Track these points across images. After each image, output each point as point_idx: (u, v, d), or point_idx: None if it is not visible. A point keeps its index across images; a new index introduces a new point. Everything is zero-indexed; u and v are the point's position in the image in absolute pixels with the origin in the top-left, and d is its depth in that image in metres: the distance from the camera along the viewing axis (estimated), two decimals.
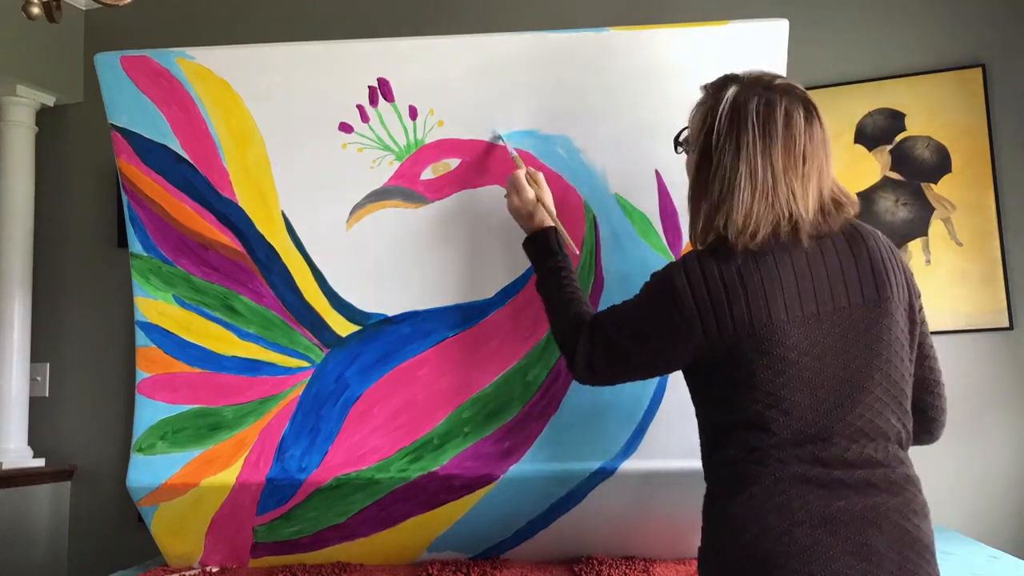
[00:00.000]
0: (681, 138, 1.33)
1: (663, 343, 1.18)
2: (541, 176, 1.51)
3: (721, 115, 1.17)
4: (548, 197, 1.50)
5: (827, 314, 1.11)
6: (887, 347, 1.11)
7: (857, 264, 1.14)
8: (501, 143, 1.62)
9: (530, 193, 1.47)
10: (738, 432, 1.12)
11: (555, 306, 1.39)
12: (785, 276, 1.12)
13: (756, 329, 1.10)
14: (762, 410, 1.09)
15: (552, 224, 1.47)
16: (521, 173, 1.50)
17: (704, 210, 1.19)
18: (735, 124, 1.16)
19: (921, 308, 1.21)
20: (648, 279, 1.23)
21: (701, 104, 1.24)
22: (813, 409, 1.08)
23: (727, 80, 1.22)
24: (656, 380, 1.62)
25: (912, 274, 1.22)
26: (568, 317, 1.34)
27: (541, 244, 1.45)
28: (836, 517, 1.04)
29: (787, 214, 1.13)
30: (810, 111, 1.17)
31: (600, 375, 1.29)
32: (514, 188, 1.49)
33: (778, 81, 1.20)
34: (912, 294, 1.19)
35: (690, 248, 1.23)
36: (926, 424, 1.24)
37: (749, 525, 1.06)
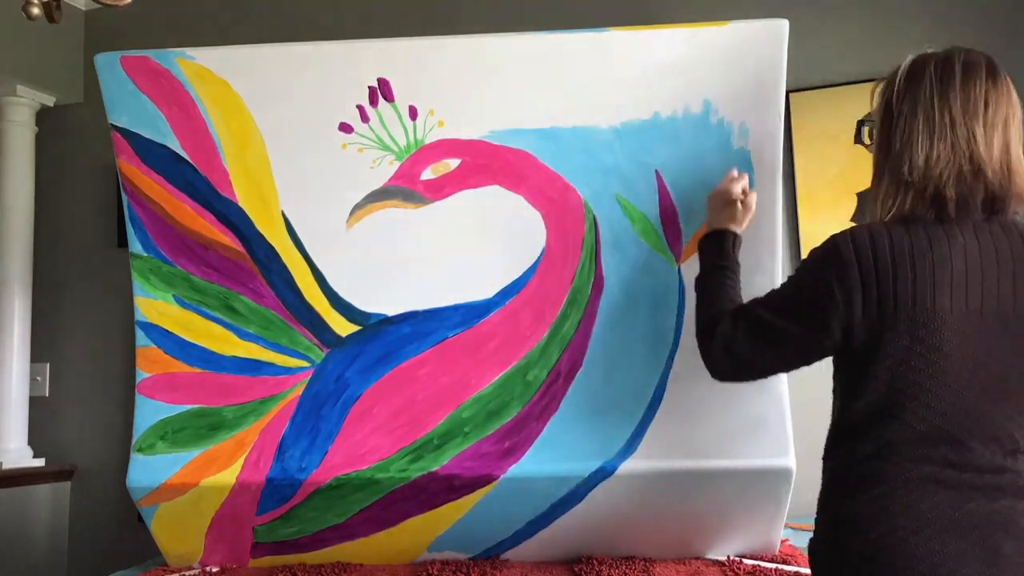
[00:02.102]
0: (865, 120, 1.33)
1: (817, 319, 1.13)
2: (753, 194, 1.50)
3: (899, 79, 1.19)
4: (752, 206, 1.48)
5: (989, 313, 1.07)
6: None
7: None
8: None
9: (738, 189, 1.46)
10: (873, 424, 1.09)
11: (706, 299, 1.37)
12: (956, 264, 1.08)
13: (917, 313, 1.07)
14: (904, 401, 1.07)
15: (738, 231, 1.45)
16: (745, 176, 1.50)
17: (888, 168, 1.17)
18: (912, 81, 1.18)
19: None
20: (806, 256, 1.20)
21: (880, 82, 1.26)
22: (954, 407, 1.06)
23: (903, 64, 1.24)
24: (657, 380, 1.62)
25: None
26: (715, 307, 1.32)
27: (718, 241, 1.43)
28: (965, 520, 1.02)
29: (967, 154, 1.11)
30: (995, 66, 1.17)
31: (739, 359, 1.24)
32: (729, 179, 1.49)
33: (960, 46, 1.20)
34: None
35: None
36: None
37: (875, 524, 1.05)
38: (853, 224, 1.17)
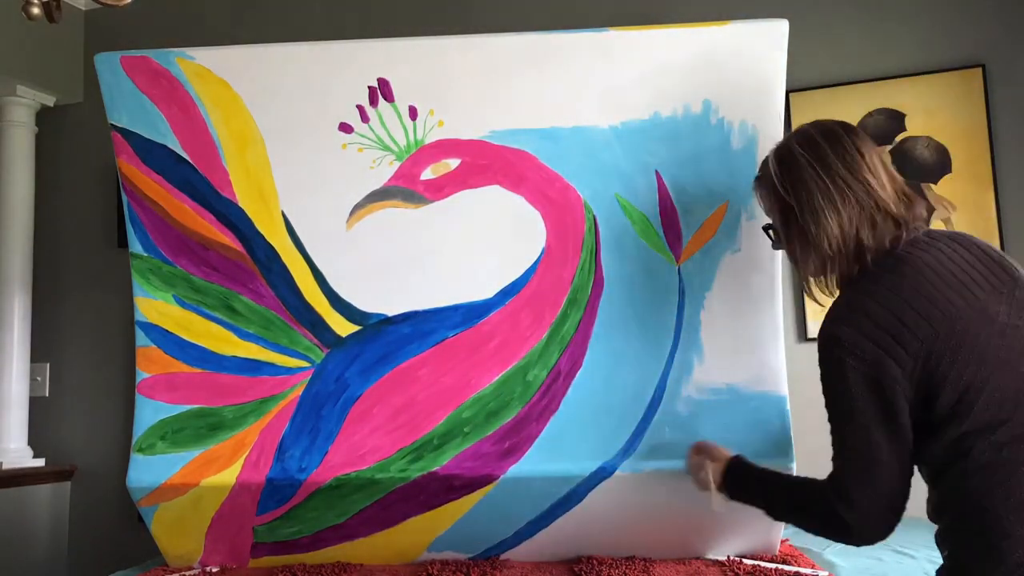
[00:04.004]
0: (767, 228, 1.39)
1: (881, 403, 1.10)
2: (708, 444, 1.50)
3: (776, 175, 1.26)
4: (719, 456, 1.45)
5: (992, 293, 1.11)
6: None
7: (975, 254, 1.16)
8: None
9: (698, 466, 1.47)
10: (980, 438, 1.07)
11: (789, 503, 1.27)
12: (930, 271, 1.13)
13: (938, 330, 1.09)
14: (999, 400, 1.06)
15: (732, 455, 1.42)
16: (689, 451, 1.52)
17: (812, 252, 1.23)
18: (789, 168, 1.25)
19: None
20: (821, 376, 1.18)
21: (757, 185, 1.36)
22: (1015, 390, 1.07)
23: (764, 160, 1.33)
24: (656, 380, 1.62)
25: None
26: (807, 499, 1.22)
27: (735, 474, 1.39)
28: None
29: (874, 204, 1.18)
30: (847, 124, 1.27)
31: (874, 515, 1.13)
32: (692, 471, 1.49)
33: (803, 125, 1.29)
34: None
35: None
36: None
37: (1016, 530, 1.02)
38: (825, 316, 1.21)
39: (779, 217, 1.30)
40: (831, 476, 1.16)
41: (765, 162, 1.31)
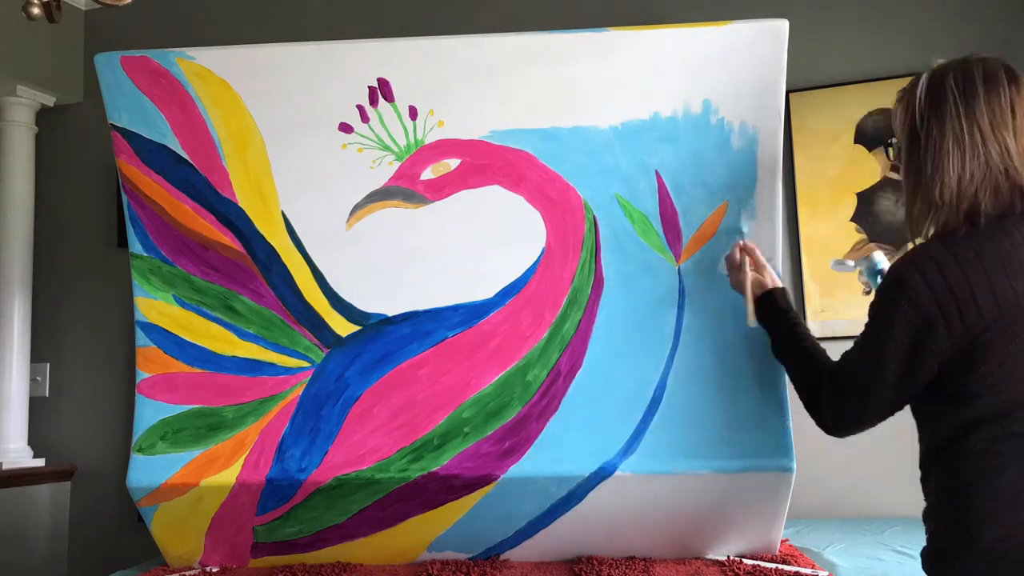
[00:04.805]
0: (891, 142, 1.31)
1: (910, 356, 1.11)
2: (755, 250, 1.52)
3: (920, 98, 1.17)
4: (764, 268, 1.49)
5: None
6: None
7: None
8: (740, 235, 1.60)
9: (734, 253, 1.50)
10: (983, 426, 1.07)
11: (795, 362, 1.34)
12: (1021, 251, 1.08)
13: (1004, 310, 1.06)
14: (1015, 397, 1.05)
15: (778, 285, 1.46)
16: (735, 249, 1.52)
17: (921, 193, 1.16)
18: (934, 98, 1.15)
19: None
20: (873, 299, 1.18)
21: (899, 101, 1.24)
22: None
23: (920, 75, 1.21)
24: (657, 380, 1.62)
25: None
26: (809, 369, 1.29)
27: (768, 306, 1.43)
28: None
29: (1003, 169, 1.11)
30: (1013, 71, 1.15)
31: (848, 419, 1.20)
32: (728, 265, 1.53)
33: (974, 54, 1.18)
34: None
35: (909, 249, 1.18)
36: None
37: (1001, 518, 1.04)
38: (905, 249, 1.17)
39: (905, 142, 1.21)
40: (834, 372, 1.21)
41: (916, 80, 1.20)
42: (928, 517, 1.15)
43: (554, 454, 1.62)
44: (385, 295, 1.69)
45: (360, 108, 1.65)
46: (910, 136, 1.19)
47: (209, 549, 1.75)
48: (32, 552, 2.70)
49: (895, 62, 2.34)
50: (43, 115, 2.93)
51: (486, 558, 1.72)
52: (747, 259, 1.51)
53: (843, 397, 1.19)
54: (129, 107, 1.69)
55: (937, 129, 1.14)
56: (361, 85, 1.64)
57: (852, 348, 1.20)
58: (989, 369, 1.07)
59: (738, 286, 1.51)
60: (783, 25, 1.58)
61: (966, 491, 1.07)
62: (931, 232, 1.16)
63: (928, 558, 1.13)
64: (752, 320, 1.46)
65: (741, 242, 1.54)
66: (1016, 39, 2.27)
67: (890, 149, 1.30)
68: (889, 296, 1.13)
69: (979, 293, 1.06)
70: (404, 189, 1.67)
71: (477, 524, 1.67)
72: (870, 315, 1.17)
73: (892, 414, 1.18)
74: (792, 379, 1.36)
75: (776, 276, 1.50)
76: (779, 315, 1.42)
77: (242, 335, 1.71)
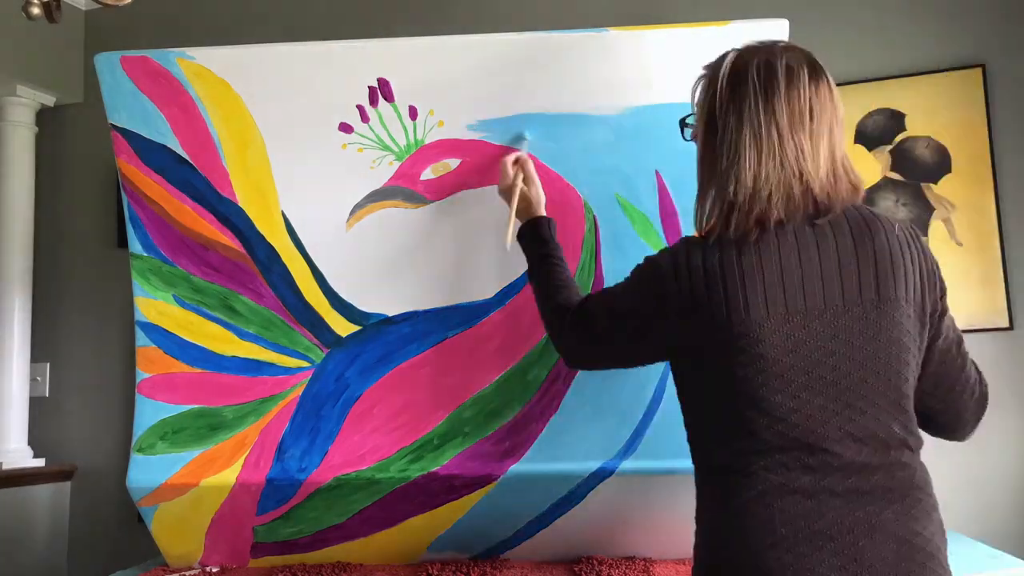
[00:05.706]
0: (688, 120, 1.27)
1: (640, 324, 1.16)
2: (529, 163, 1.54)
3: (722, 82, 1.13)
4: (533, 183, 1.52)
5: (816, 312, 1.04)
6: (885, 349, 1.04)
7: (859, 260, 1.06)
8: (524, 143, 1.61)
9: (508, 178, 1.51)
10: (722, 435, 1.08)
11: (543, 293, 1.39)
12: (769, 270, 1.05)
13: (734, 325, 1.05)
14: (742, 410, 1.05)
15: (541, 214, 1.49)
16: (508, 157, 1.53)
17: (714, 182, 1.13)
18: (736, 87, 1.11)
19: (941, 309, 1.13)
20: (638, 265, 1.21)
21: (702, 79, 1.19)
22: (797, 412, 1.02)
23: (726, 53, 1.16)
24: (656, 380, 1.62)
25: (937, 271, 1.14)
26: (555, 302, 1.34)
27: (530, 230, 1.47)
28: (823, 531, 0.98)
29: (797, 172, 1.07)
30: (816, 68, 1.12)
31: (580, 357, 1.30)
32: (501, 174, 1.53)
33: (779, 43, 1.15)
34: (928, 293, 1.11)
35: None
36: (946, 425, 1.21)
37: (729, 542, 1.04)
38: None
39: (702, 126, 1.17)
40: (577, 311, 1.27)
41: (720, 60, 1.16)
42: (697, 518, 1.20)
43: (554, 454, 1.62)
44: (385, 295, 1.69)
45: (360, 108, 1.65)
46: (707, 123, 1.15)
47: (209, 549, 1.75)
48: (32, 552, 2.70)
49: (895, 62, 2.34)
50: (43, 115, 2.93)
51: (486, 558, 1.72)
52: (519, 172, 1.51)
53: (577, 337, 1.26)
54: (129, 107, 1.69)
55: (735, 121, 1.10)
56: (361, 85, 1.64)
57: (604, 291, 1.27)
58: (718, 375, 1.08)
59: (505, 197, 1.52)
60: (783, 25, 1.58)
61: (708, 505, 1.14)
62: (717, 229, 1.11)
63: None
64: (510, 242, 1.48)
65: (515, 154, 1.55)
66: (1015, 39, 2.27)
67: (687, 130, 1.28)
68: (643, 270, 1.18)
69: (713, 302, 1.06)
70: (404, 189, 1.67)
71: (477, 524, 1.67)
72: (628, 276, 1.21)
73: (621, 367, 1.34)
74: (538, 307, 1.40)
75: (542, 197, 1.52)
76: (538, 243, 1.44)
77: (242, 335, 1.71)
